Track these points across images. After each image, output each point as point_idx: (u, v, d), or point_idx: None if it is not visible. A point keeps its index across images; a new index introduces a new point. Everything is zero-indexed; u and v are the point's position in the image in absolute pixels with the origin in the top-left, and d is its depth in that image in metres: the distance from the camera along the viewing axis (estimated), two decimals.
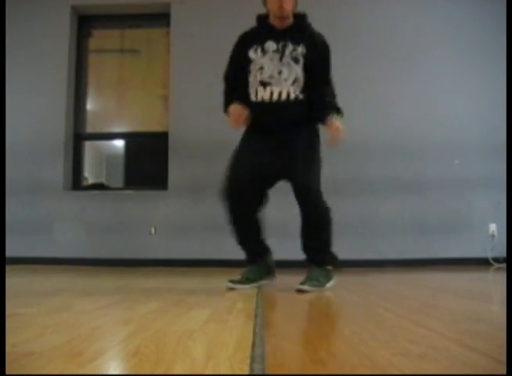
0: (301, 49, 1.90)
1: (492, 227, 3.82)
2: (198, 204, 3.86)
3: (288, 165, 1.95)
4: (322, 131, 2.10)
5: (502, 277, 2.88)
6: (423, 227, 3.83)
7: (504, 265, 3.61)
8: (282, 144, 1.94)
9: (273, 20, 1.95)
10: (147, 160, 4.32)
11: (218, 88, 4.13)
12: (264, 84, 1.91)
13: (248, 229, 2.08)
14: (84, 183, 4.31)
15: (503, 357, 0.81)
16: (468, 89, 4.00)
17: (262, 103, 1.93)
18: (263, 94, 1.92)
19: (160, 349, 0.87)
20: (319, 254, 2.10)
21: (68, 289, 2.15)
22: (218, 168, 3.93)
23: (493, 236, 3.80)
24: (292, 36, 1.92)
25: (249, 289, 1.97)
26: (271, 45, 1.91)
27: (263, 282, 2.11)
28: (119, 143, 4.57)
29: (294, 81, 1.90)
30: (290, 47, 1.90)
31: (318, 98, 1.94)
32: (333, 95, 1.99)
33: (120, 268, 3.51)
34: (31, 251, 3.80)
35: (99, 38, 4.44)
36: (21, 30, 4.12)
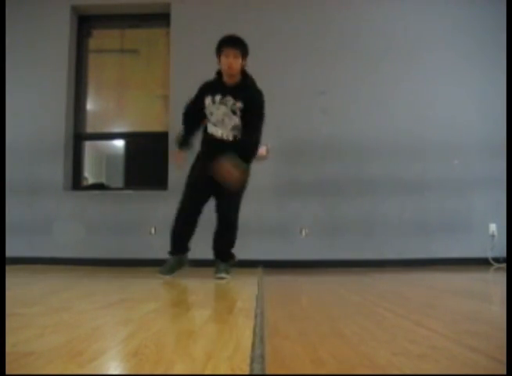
0: (239, 105, 2.44)
1: (492, 227, 3.82)
2: None
3: (220, 191, 2.52)
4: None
5: (502, 277, 2.88)
6: (423, 227, 3.83)
7: (504, 265, 3.61)
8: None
9: (224, 76, 2.50)
10: (147, 160, 4.32)
11: None
12: (214, 124, 2.52)
13: (190, 231, 2.64)
14: (84, 183, 4.31)
15: (503, 357, 0.81)
16: (468, 89, 4.00)
17: (212, 137, 2.54)
18: (213, 130, 2.53)
19: (160, 349, 0.87)
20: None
21: (68, 289, 2.15)
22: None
23: (493, 236, 3.80)
24: (235, 93, 2.45)
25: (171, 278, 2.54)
26: (218, 98, 2.47)
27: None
28: (119, 143, 4.57)
29: (233, 127, 2.47)
30: (231, 101, 2.45)
31: (242, 140, 2.47)
32: (252, 143, 2.45)
33: (120, 268, 3.51)
34: (31, 251, 3.80)
35: (99, 38, 4.44)
36: (21, 30, 4.12)
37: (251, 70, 4.02)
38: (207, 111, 2.50)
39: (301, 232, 3.82)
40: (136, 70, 4.42)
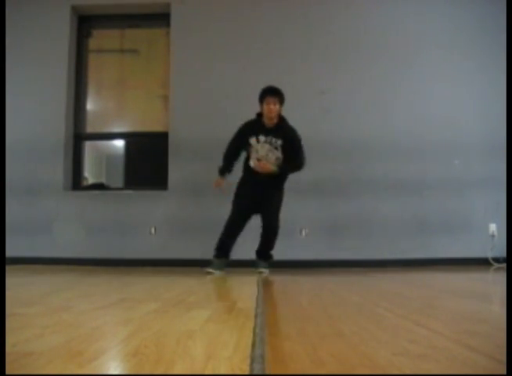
0: (279, 142, 2.98)
1: (492, 227, 3.82)
2: (198, 204, 3.86)
3: (266, 206, 3.06)
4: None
5: (502, 277, 2.88)
6: (423, 227, 3.83)
7: (504, 265, 3.61)
8: (264, 194, 3.04)
9: (265, 119, 2.99)
10: (147, 160, 4.32)
11: (218, 87, 4.15)
12: (258, 159, 3.01)
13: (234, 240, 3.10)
14: (84, 183, 4.31)
15: (503, 357, 0.81)
16: (468, 89, 4.00)
17: (255, 168, 3.02)
18: (256, 163, 3.01)
19: (160, 349, 0.87)
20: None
21: (68, 289, 2.15)
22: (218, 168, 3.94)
23: (493, 236, 3.80)
24: (275, 133, 2.98)
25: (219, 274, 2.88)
26: (262, 138, 2.99)
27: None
28: (119, 143, 4.57)
29: (276, 159, 3.00)
30: (273, 140, 2.98)
31: (287, 164, 3.03)
32: (295, 168, 3.07)
33: (120, 268, 3.51)
34: (31, 251, 3.80)
35: (99, 38, 4.44)
36: (21, 30, 4.12)
37: (252, 70, 4.03)
38: (253, 149, 3.00)
39: (300, 232, 3.82)
40: (136, 70, 4.42)
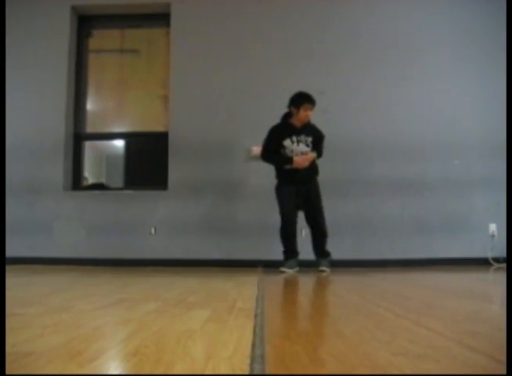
0: (310, 139, 3.25)
1: (492, 227, 3.82)
2: (198, 204, 3.87)
3: (309, 201, 3.29)
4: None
5: (502, 277, 2.88)
6: (423, 227, 3.83)
7: (504, 265, 3.61)
8: (304, 190, 3.28)
9: (295, 121, 3.23)
10: (147, 160, 4.32)
11: (218, 87, 4.14)
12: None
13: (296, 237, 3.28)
14: (84, 183, 4.31)
15: (503, 357, 0.81)
16: (468, 89, 4.00)
17: (293, 168, 3.21)
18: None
19: (160, 349, 0.87)
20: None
21: (68, 289, 2.15)
22: (218, 168, 3.96)
23: (493, 236, 3.80)
24: (305, 131, 3.24)
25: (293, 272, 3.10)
26: (295, 138, 3.22)
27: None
28: (119, 143, 4.57)
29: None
30: (304, 138, 3.23)
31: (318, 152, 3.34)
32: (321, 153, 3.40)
33: (120, 268, 3.51)
34: (31, 251, 3.80)
35: (99, 38, 4.45)
36: (21, 30, 4.13)
37: (252, 70, 4.03)
38: (288, 150, 3.21)
39: (301, 232, 3.81)
40: (136, 70, 4.42)
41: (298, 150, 3.22)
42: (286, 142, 3.21)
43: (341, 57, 4.05)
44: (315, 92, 3.96)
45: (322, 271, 3.12)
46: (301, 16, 4.10)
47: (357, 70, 4.01)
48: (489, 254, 3.74)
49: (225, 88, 4.02)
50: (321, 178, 3.86)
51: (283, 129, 3.25)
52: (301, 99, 3.18)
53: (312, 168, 3.30)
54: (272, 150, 3.27)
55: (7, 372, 0.71)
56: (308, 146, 3.24)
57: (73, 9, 4.23)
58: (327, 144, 3.91)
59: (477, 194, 3.86)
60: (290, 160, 3.21)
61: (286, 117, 3.28)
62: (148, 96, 4.44)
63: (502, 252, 3.70)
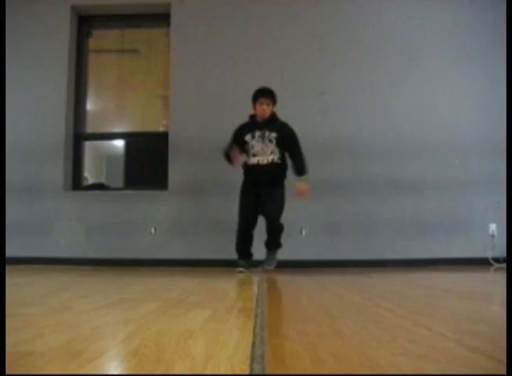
0: (273, 135, 3.07)
1: (492, 227, 3.82)
2: (198, 204, 3.87)
3: (267, 207, 3.10)
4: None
5: (502, 277, 2.88)
6: (423, 227, 3.83)
7: (504, 265, 3.62)
8: (263, 193, 3.09)
9: (258, 118, 3.12)
10: (147, 160, 4.32)
11: (218, 87, 4.14)
12: (254, 155, 3.09)
13: (249, 242, 3.20)
14: (84, 183, 4.31)
15: (503, 357, 0.81)
16: (468, 89, 4.00)
17: (253, 165, 3.10)
18: (253, 160, 3.10)
19: (160, 349, 0.87)
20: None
21: (68, 289, 2.15)
22: (218, 168, 3.95)
23: (493, 236, 3.80)
24: (268, 126, 3.09)
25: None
26: (257, 133, 3.08)
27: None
28: (119, 143, 4.57)
29: (271, 153, 3.07)
30: (267, 133, 3.07)
31: (293, 162, 3.13)
32: (302, 160, 3.11)
33: (120, 268, 3.51)
34: (31, 251, 3.80)
35: (99, 38, 4.44)
36: (21, 31, 4.12)
37: (252, 70, 4.03)
38: (249, 146, 3.08)
39: (300, 232, 3.82)
40: (136, 70, 4.42)
41: (259, 147, 3.06)
42: (247, 137, 3.09)
43: (341, 57, 4.05)
44: (315, 92, 3.98)
45: (266, 270, 3.10)
46: (301, 16, 4.10)
47: (357, 70, 4.01)
48: (489, 254, 3.74)
49: (225, 88, 4.01)
50: (321, 178, 3.87)
51: (247, 125, 3.15)
52: (256, 94, 3.10)
53: (276, 172, 3.11)
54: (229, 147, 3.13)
55: (7, 372, 0.71)
56: (270, 141, 3.06)
57: (73, 9, 4.23)
58: (327, 144, 3.92)
59: (477, 194, 3.86)
60: (229, 158, 3.04)
61: (252, 116, 3.19)
62: (148, 96, 4.44)
63: (502, 252, 3.70)
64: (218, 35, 4.11)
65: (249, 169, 3.14)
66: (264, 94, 3.06)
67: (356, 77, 4.01)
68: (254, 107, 3.10)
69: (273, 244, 3.17)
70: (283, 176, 3.15)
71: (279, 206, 3.10)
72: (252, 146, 3.08)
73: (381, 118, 3.96)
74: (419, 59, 4.03)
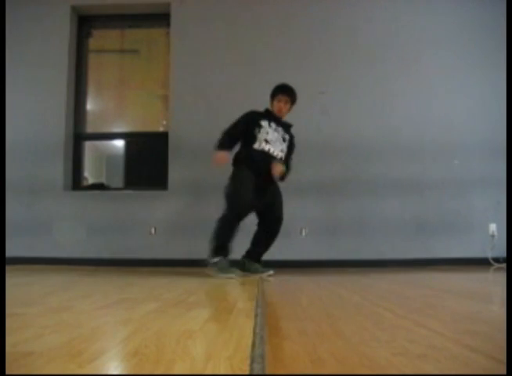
0: (287, 136, 2.98)
1: (492, 227, 3.82)
2: (198, 204, 3.86)
3: (270, 202, 2.91)
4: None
5: (502, 277, 2.88)
6: (423, 227, 3.83)
7: (504, 265, 3.62)
8: (264, 186, 2.86)
9: (275, 114, 2.95)
10: (147, 160, 4.32)
11: (218, 87, 4.14)
12: (267, 141, 2.86)
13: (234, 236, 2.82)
14: (84, 183, 4.31)
15: (503, 357, 0.81)
16: (468, 89, 4.00)
17: (262, 152, 2.84)
18: (264, 147, 2.85)
19: (160, 349, 0.87)
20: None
21: (68, 289, 2.15)
22: (218, 168, 3.95)
23: (493, 236, 3.80)
24: (285, 127, 2.99)
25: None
26: (274, 124, 2.92)
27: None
28: (119, 143, 4.57)
29: (281, 150, 2.92)
30: (282, 131, 2.94)
31: (288, 163, 3.01)
32: (290, 166, 3.03)
33: (120, 268, 3.51)
34: (31, 251, 3.80)
35: (99, 38, 4.45)
36: (21, 30, 4.13)
37: (252, 70, 4.03)
38: (263, 130, 2.85)
39: (300, 232, 3.82)
40: (136, 70, 4.42)
41: (274, 137, 2.85)
42: (264, 122, 2.85)
43: (341, 57, 4.05)
44: (315, 92, 3.98)
45: (270, 275, 2.79)
46: (301, 16, 4.10)
47: (357, 70, 4.01)
48: (489, 254, 3.74)
49: (225, 88, 4.01)
50: (321, 178, 3.87)
51: (262, 114, 2.95)
52: (276, 89, 2.93)
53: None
54: (241, 128, 2.86)
55: (7, 372, 0.71)
56: (284, 140, 2.92)
57: (73, 9, 4.23)
58: (327, 144, 3.92)
59: (477, 194, 3.86)
60: (226, 146, 2.81)
61: (269, 110, 3.00)
62: (148, 96, 4.44)
63: (502, 252, 3.70)
64: (218, 35, 4.11)
65: (257, 154, 2.82)
66: (283, 91, 2.89)
67: (356, 77, 4.01)
68: (271, 103, 2.94)
69: (262, 254, 2.93)
70: (282, 179, 2.93)
71: (282, 202, 2.92)
72: (267, 132, 2.84)
73: (381, 118, 3.96)
74: (419, 59, 4.03)
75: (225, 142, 2.85)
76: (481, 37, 4.05)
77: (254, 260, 2.91)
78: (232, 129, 2.88)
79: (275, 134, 2.88)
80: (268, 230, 2.92)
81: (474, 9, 4.10)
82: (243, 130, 2.87)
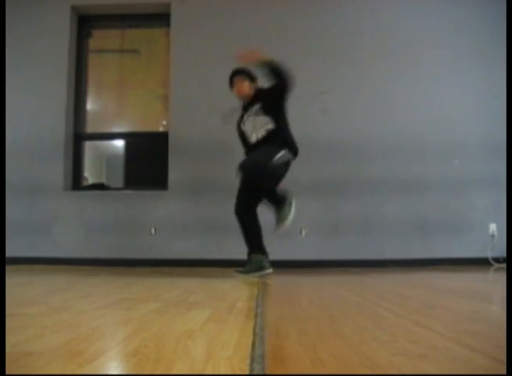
0: (258, 105, 2.82)
1: (492, 227, 3.82)
2: (198, 204, 3.87)
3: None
4: None
5: (502, 277, 2.88)
6: (424, 227, 3.83)
7: (504, 265, 3.62)
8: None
9: (241, 100, 2.99)
10: (147, 160, 4.32)
11: (218, 87, 4.13)
12: (249, 137, 2.88)
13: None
14: (84, 183, 4.31)
15: (503, 357, 0.81)
16: (468, 89, 4.00)
17: (251, 146, 2.88)
18: (251, 143, 2.88)
19: (160, 349, 0.87)
20: None
21: (68, 289, 2.15)
22: (218, 168, 3.96)
23: (493, 236, 3.80)
24: (252, 102, 2.89)
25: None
26: (245, 115, 2.90)
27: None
28: (119, 143, 4.58)
29: (262, 125, 2.79)
30: (252, 109, 2.84)
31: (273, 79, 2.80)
32: (282, 70, 2.80)
33: (120, 268, 3.51)
34: (31, 251, 3.80)
35: (99, 38, 4.45)
36: (21, 30, 4.13)
37: (251, 70, 4.02)
38: (247, 135, 2.90)
39: (300, 232, 3.82)
40: (136, 70, 4.42)
41: (250, 127, 2.85)
42: (243, 127, 2.93)
43: (341, 57, 4.05)
44: (315, 92, 3.98)
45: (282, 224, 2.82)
46: (301, 16, 4.10)
47: (357, 70, 4.01)
48: (489, 254, 3.74)
49: (225, 87, 4.00)
50: (321, 178, 3.87)
51: (239, 116, 3.00)
52: (229, 79, 3.01)
53: (267, 142, 2.75)
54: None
55: (7, 372, 0.71)
56: (257, 115, 2.82)
57: (73, 9, 4.23)
58: (327, 144, 3.92)
59: (477, 194, 3.86)
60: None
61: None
62: (148, 96, 4.44)
63: (502, 252, 3.70)
64: (218, 35, 4.11)
65: (248, 152, 2.94)
66: (232, 75, 2.98)
67: (356, 77, 4.01)
68: (232, 91, 3.01)
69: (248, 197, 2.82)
70: (275, 149, 2.74)
71: (259, 157, 2.71)
72: (245, 131, 2.91)
73: (381, 118, 3.96)
74: (419, 60, 4.03)
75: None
76: (481, 38, 4.05)
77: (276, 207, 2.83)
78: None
79: (250, 120, 2.87)
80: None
81: (474, 9, 4.10)
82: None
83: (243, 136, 2.95)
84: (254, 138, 2.84)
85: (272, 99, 2.81)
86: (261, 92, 2.90)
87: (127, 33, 4.44)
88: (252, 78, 3.00)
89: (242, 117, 2.95)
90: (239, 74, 2.97)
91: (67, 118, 4.09)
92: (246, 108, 2.93)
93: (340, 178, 3.87)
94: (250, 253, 2.84)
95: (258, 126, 2.81)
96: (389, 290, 2.16)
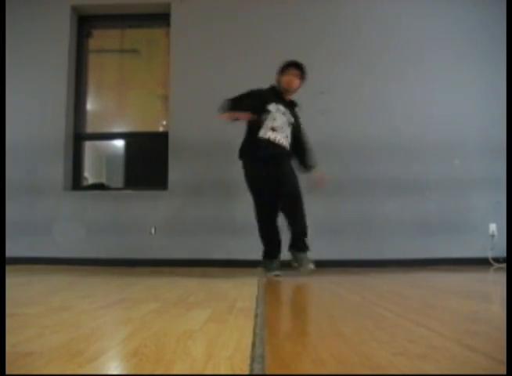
0: (292, 120, 2.82)
1: (492, 227, 3.82)
2: (198, 204, 3.86)
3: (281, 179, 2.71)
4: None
5: (502, 277, 2.88)
6: (424, 227, 3.83)
7: (504, 265, 3.61)
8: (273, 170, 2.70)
9: (282, 90, 2.82)
10: (147, 160, 4.32)
11: (218, 87, 4.13)
12: (273, 129, 2.72)
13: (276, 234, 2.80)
14: (84, 183, 4.31)
15: (503, 357, 0.81)
16: (468, 89, 4.00)
17: (268, 140, 2.70)
18: (270, 135, 2.71)
19: (160, 349, 0.87)
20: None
21: (68, 289, 2.15)
22: (218, 168, 3.96)
23: (493, 236, 3.80)
24: (291, 109, 2.83)
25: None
26: (282, 108, 2.77)
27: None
28: (119, 143, 4.57)
29: (286, 137, 2.79)
30: (289, 115, 2.80)
31: (309, 152, 2.93)
32: (311, 150, 2.94)
33: (120, 268, 3.51)
34: (31, 251, 3.80)
35: (99, 38, 4.45)
36: (21, 30, 4.12)
37: (252, 70, 4.03)
38: (271, 117, 2.70)
39: None
40: (136, 70, 4.42)
41: (281, 123, 2.72)
42: (272, 107, 2.73)
43: (341, 57, 4.05)
44: (315, 92, 3.98)
45: (309, 269, 2.66)
46: (302, 16, 4.10)
47: (357, 70, 4.01)
48: (489, 254, 3.74)
49: (225, 87, 4.00)
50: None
51: (269, 92, 2.80)
52: (286, 64, 2.82)
53: (287, 156, 2.74)
54: (245, 106, 2.68)
55: (7, 372, 0.71)
56: (288, 125, 2.78)
57: (73, 9, 4.23)
58: (327, 144, 3.92)
59: (477, 194, 3.86)
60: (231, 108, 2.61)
61: (274, 87, 2.88)
62: (148, 96, 4.44)
63: (502, 252, 3.70)
64: (218, 35, 4.11)
65: (261, 143, 2.71)
66: (295, 65, 2.78)
67: (356, 77, 4.00)
68: (280, 79, 2.80)
69: (300, 239, 2.69)
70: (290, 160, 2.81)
71: (295, 177, 2.70)
72: (274, 119, 2.71)
73: (381, 118, 3.96)
74: (419, 60, 4.03)
75: (226, 107, 2.72)
76: (482, 37, 4.05)
77: (296, 249, 2.70)
78: (237, 101, 2.72)
79: (283, 118, 2.75)
80: (285, 210, 2.70)
81: (474, 9, 4.10)
82: (248, 105, 2.70)
83: (262, 111, 2.71)
84: (278, 136, 2.71)
85: (298, 131, 2.87)
86: (297, 114, 2.89)
87: (127, 33, 4.44)
88: (303, 80, 2.88)
89: (277, 101, 2.76)
90: (299, 69, 2.80)
91: (67, 118, 4.09)
92: (285, 103, 2.79)
93: (340, 178, 3.86)
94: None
95: (285, 132, 2.75)
96: (389, 290, 2.16)
